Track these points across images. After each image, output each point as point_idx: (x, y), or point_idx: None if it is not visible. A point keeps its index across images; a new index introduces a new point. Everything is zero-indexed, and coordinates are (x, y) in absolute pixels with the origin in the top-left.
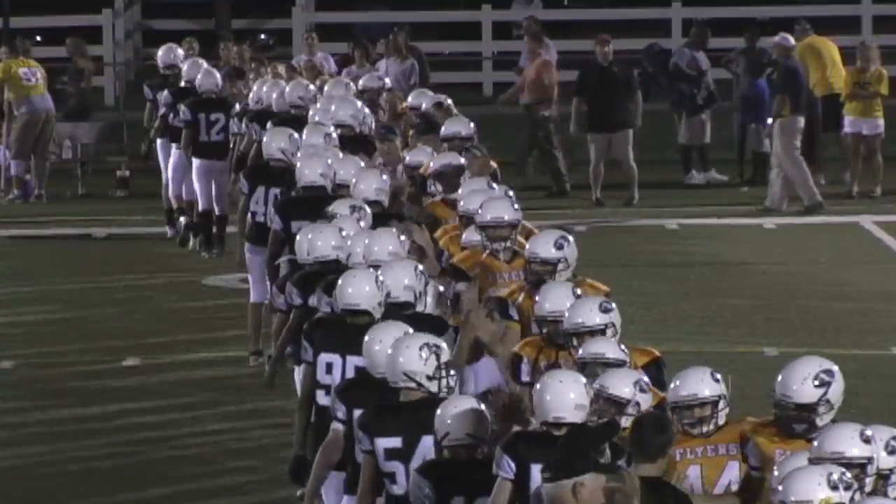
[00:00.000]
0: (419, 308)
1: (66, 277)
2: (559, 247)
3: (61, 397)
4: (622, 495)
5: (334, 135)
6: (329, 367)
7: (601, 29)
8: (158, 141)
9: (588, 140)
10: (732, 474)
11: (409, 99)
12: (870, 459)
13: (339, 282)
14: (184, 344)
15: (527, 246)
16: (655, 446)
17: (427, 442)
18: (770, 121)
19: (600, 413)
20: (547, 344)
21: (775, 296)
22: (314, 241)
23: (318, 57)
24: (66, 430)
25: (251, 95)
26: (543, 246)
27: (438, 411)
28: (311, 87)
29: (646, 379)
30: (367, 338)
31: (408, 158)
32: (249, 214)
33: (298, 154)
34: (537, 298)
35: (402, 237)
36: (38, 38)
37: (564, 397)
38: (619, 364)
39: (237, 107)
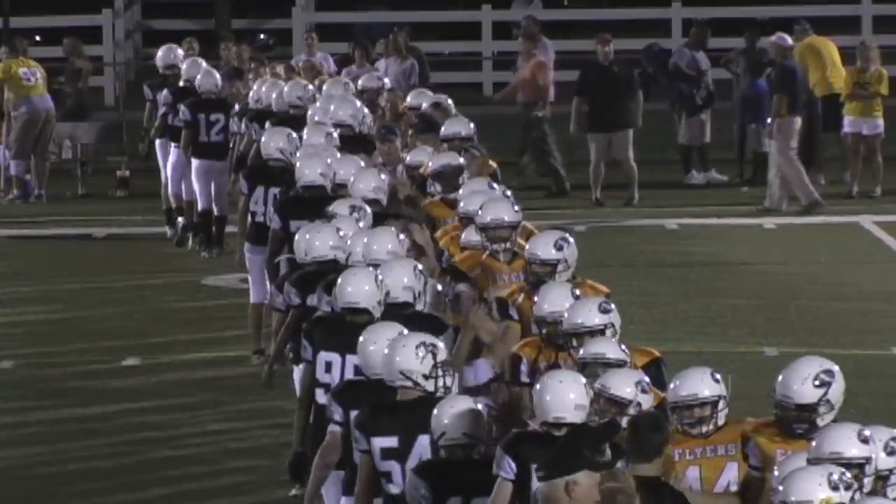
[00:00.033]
0: (418, 307)
1: (66, 277)
2: (559, 248)
3: (61, 397)
4: (624, 496)
5: (335, 134)
6: (328, 366)
7: (601, 29)
8: (157, 141)
9: (588, 140)
10: (731, 475)
11: (409, 99)
12: (868, 460)
13: (339, 280)
14: (184, 344)
15: (527, 247)
16: (652, 446)
17: (423, 441)
18: (770, 121)
19: (601, 413)
20: (546, 345)
21: (775, 296)
22: (312, 241)
23: (318, 57)
24: (66, 430)
25: (251, 95)
26: (543, 247)
27: (435, 411)
28: (310, 86)
29: (647, 379)
30: (361, 339)
31: (408, 158)
32: (249, 214)
33: (298, 153)
34: (536, 299)
35: (402, 236)
36: (38, 38)
37: (564, 397)
38: (619, 364)
39: (237, 107)
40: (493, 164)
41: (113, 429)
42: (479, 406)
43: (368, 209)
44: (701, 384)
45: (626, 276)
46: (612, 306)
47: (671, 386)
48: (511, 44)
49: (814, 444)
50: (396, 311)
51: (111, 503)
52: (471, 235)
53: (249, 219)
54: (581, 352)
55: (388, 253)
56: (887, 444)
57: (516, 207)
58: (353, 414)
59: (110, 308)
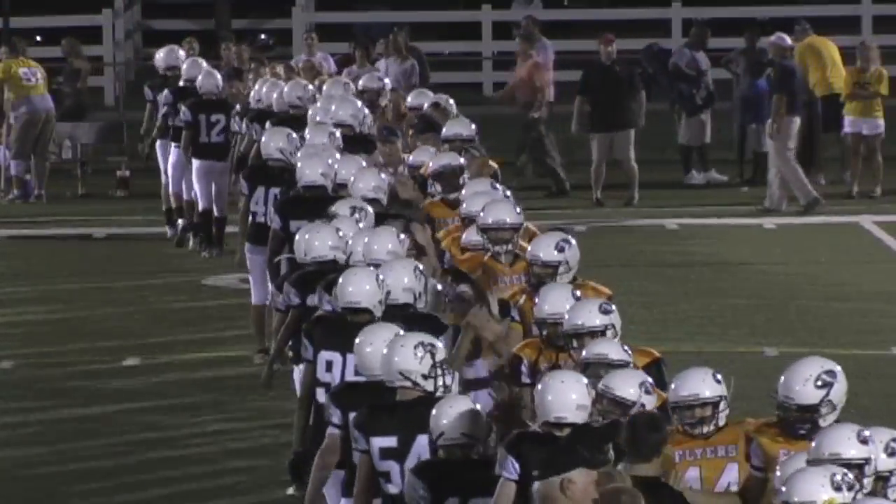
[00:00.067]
0: (419, 306)
1: (65, 277)
2: (560, 249)
3: (61, 397)
4: (629, 496)
5: (338, 134)
6: (329, 365)
7: (601, 29)
8: (158, 141)
9: (591, 140)
10: (732, 476)
11: (409, 99)
12: (867, 460)
13: (340, 280)
14: (184, 344)
15: (528, 249)
16: (649, 446)
17: (422, 441)
18: (770, 121)
19: (604, 414)
20: (547, 346)
21: (775, 296)
22: (311, 242)
23: (318, 57)
24: (66, 430)
25: (252, 95)
26: (545, 248)
27: (434, 411)
28: (310, 86)
29: (650, 380)
30: (357, 340)
31: (410, 158)
32: (250, 215)
33: (298, 153)
34: (536, 300)
35: (402, 236)
36: (38, 38)
37: (566, 398)
38: (622, 365)
39: (238, 107)
40: (493, 164)
41: (113, 429)
42: (478, 406)
43: (370, 209)
44: (702, 384)
45: (626, 276)
46: (613, 307)
47: (672, 386)
48: (511, 44)
49: (813, 444)
50: (396, 313)
51: (111, 503)
52: (471, 236)
53: (250, 219)
54: (584, 352)
55: (389, 253)
56: (888, 445)
57: (518, 209)
58: (352, 416)
59: (110, 308)
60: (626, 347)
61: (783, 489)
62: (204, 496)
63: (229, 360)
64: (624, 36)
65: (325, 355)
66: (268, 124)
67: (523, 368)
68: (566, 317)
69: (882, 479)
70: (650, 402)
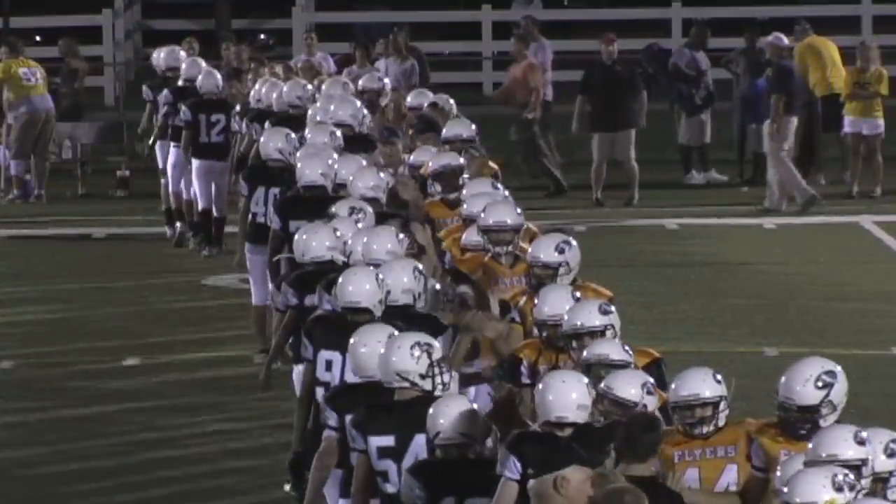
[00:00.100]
0: (418, 306)
1: (65, 277)
2: (560, 251)
3: (61, 397)
4: (632, 496)
5: (338, 133)
6: (329, 365)
7: (601, 29)
8: (158, 141)
9: (592, 139)
10: (731, 476)
11: (409, 99)
12: (864, 461)
13: (340, 280)
14: (184, 344)
15: (529, 250)
16: (645, 446)
17: (420, 440)
18: (769, 121)
19: (605, 414)
20: (546, 347)
21: (775, 296)
22: (309, 242)
23: (318, 57)
24: (66, 430)
25: (252, 95)
26: (545, 250)
27: (431, 410)
28: (309, 86)
29: (652, 381)
30: (352, 341)
31: (411, 158)
32: (250, 215)
33: (297, 153)
34: (536, 301)
35: (401, 235)
36: (38, 38)
37: (567, 397)
38: (623, 365)
39: (238, 107)
40: (494, 165)
41: (113, 429)
42: (476, 405)
43: (369, 209)
44: (702, 384)
45: (626, 276)
46: (612, 308)
47: (672, 386)
48: (511, 44)
49: (811, 445)
50: (396, 313)
51: (111, 503)
52: (471, 236)
53: (250, 219)
54: (585, 353)
55: (388, 253)
56: (887, 446)
57: (519, 210)
58: (348, 418)
59: (110, 308)
60: (627, 348)
61: (784, 489)
62: (204, 496)
63: (229, 360)
64: (624, 36)
65: (324, 355)
66: (267, 124)
67: (523, 369)
68: (566, 317)
69: (881, 481)
70: (652, 403)
